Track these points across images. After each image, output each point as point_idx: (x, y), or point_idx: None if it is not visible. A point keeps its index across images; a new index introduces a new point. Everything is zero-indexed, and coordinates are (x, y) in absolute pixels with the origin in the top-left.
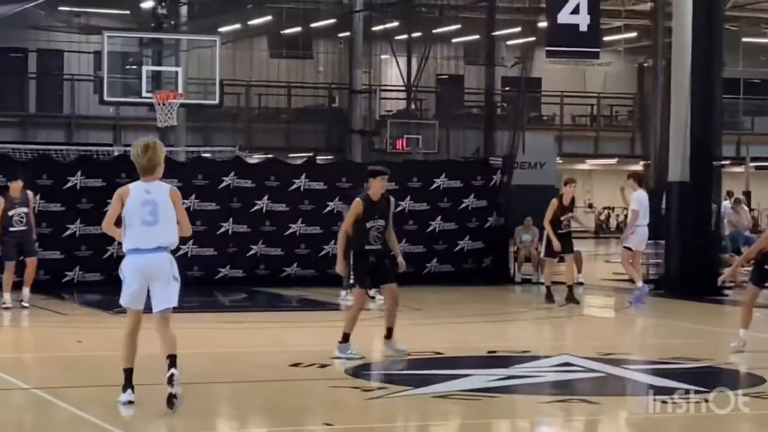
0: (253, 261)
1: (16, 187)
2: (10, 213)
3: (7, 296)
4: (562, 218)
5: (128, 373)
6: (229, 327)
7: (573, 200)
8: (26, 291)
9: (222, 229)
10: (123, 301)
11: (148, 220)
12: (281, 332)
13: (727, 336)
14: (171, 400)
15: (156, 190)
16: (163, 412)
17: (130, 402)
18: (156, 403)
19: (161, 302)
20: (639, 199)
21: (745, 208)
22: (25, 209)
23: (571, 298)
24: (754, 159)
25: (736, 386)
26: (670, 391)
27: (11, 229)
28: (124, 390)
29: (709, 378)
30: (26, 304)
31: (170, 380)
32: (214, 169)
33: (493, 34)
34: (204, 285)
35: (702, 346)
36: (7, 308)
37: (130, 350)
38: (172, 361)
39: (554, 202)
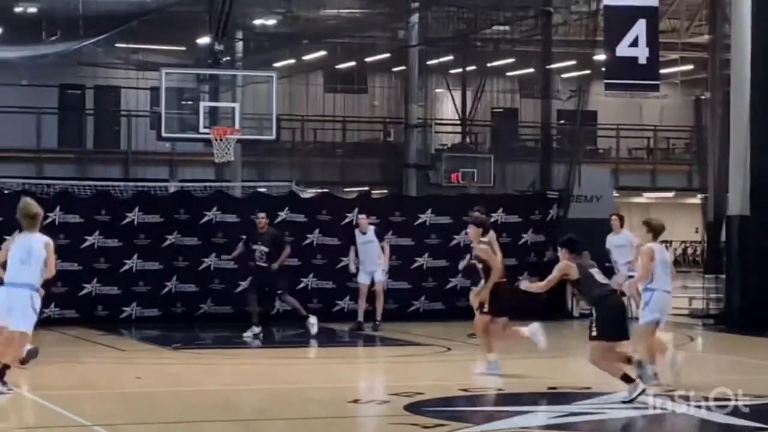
0: (304, 294)
1: None
2: None
3: None
4: None
5: None
6: (285, 363)
7: None
8: None
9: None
10: None
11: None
12: (337, 368)
13: None
14: None
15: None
16: None
17: None
18: None
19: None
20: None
21: None
22: None
23: None
24: None
25: None
26: (736, 429)
27: None
28: None
29: None
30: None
31: None
32: (269, 203)
33: (549, 67)
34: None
35: (766, 383)
36: None
37: None
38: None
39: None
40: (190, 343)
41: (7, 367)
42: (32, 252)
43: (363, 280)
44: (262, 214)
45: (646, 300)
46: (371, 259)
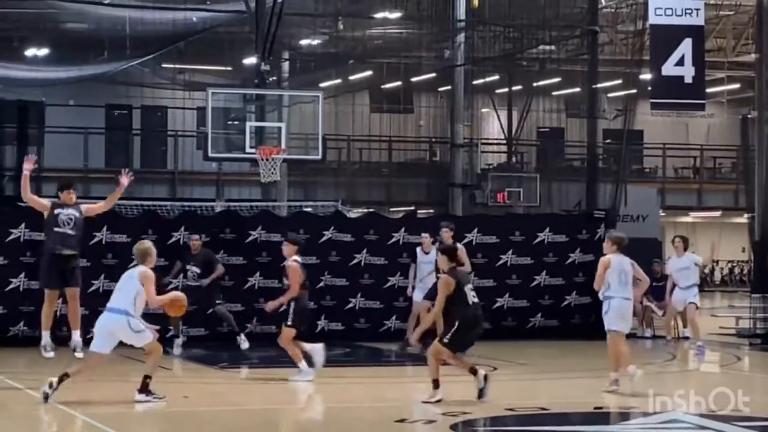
0: (352, 314)
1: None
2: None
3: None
4: None
5: None
6: (331, 382)
7: None
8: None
9: (320, 284)
10: None
11: None
12: (384, 387)
13: None
14: None
15: None
16: None
17: None
18: None
19: None
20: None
21: None
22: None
23: None
24: None
25: None
26: None
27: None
28: None
29: None
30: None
31: None
32: (315, 223)
33: (594, 86)
34: (304, 338)
35: None
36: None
37: None
38: None
39: None
40: (236, 362)
41: (148, 377)
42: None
43: (418, 298)
44: (196, 236)
45: (605, 309)
46: (430, 279)
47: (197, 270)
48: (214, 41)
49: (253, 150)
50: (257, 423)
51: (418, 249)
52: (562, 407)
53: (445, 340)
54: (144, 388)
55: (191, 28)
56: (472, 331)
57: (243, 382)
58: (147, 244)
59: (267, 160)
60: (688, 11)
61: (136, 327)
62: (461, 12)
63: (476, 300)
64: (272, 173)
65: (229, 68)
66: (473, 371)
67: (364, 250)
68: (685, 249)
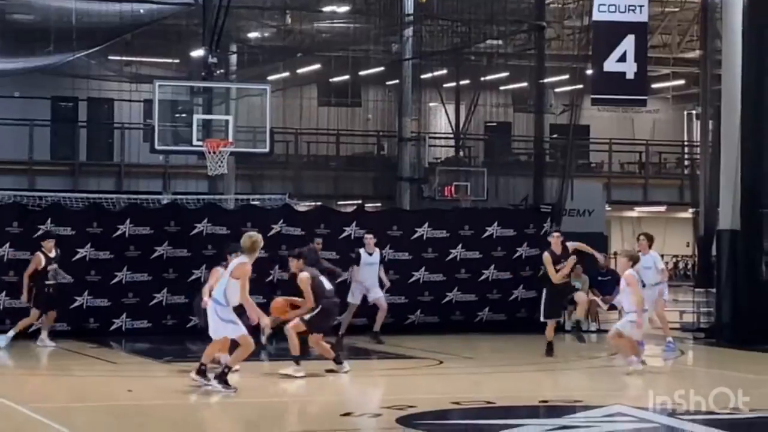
0: None
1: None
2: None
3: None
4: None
5: None
6: (276, 376)
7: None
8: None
9: (269, 277)
10: None
11: None
12: (329, 381)
13: None
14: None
15: None
16: None
17: None
18: None
19: None
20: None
21: None
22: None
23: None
24: None
25: None
26: None
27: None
28: None
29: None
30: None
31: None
32: (263, 216)
33: (541, 81)
34: (254, 334)
35: (757, 397)
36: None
37: None
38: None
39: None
40: (182, 356)
41: (228, 368)
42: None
43: (355, 300)
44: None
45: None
46: (372, 281)
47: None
48: (162, 33)
49: (200, 143)
50: (202, 416)
51: (362, 250)
52: (508, 401)
53: (306, 318)
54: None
55: (138, 20)
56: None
57: (188, 375)
58: (256, 236)
59: (214, 153)
60: (631, 8)
61: (221, 316)
62: (409, 6)
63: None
64: (219, 166)
65: (177, 61)
66: (337, 361)
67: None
68: (650, 247)
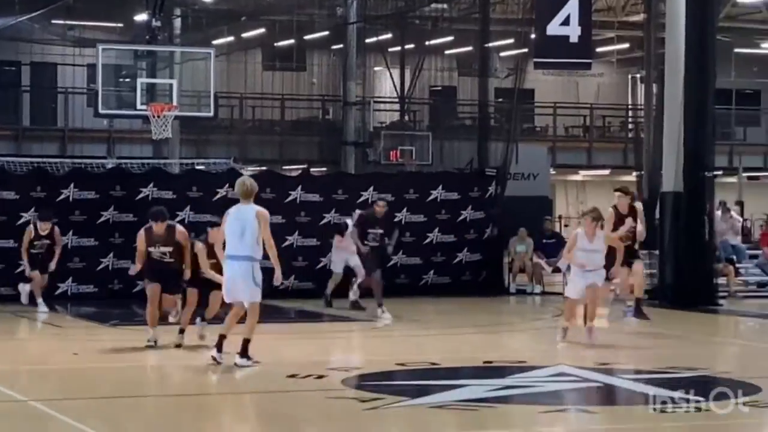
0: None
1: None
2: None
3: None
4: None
5: None
6: (231, 339)
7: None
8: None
9: None
10: None
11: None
12: (279, 344)
13: (722, 345)
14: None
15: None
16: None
17: None
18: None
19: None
20: None
21: (736, 216)
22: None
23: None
24: (746, 169)
25: (732, 395)
26: (665, 400)
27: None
28: None
29: (704, 387)
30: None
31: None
32: (209, 181)
33: (486, 45)
34: None
35: (697, 356)
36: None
37: None
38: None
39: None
40: (128, 319)
41: (248, 341)
42: (246, 224)
43: (338, 269)
44: None
45: None
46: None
47: None
48: None
49: (144, 107)
50: (149, 379)
51: (349, 220)
52: (452, 362)
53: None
54: (244, 352)
55: None
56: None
57: (134, 339)
58: (248, 179)
59: (158, 117)
60: None
61: (256, 277)
62: None
63: None
64: (164, 130)
65: (120, 25)
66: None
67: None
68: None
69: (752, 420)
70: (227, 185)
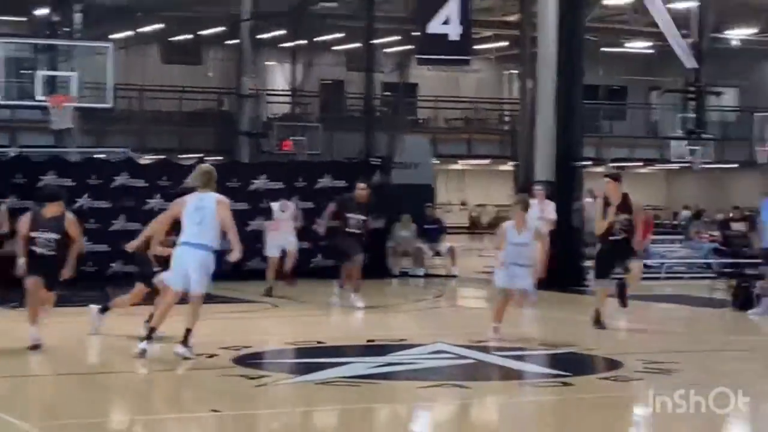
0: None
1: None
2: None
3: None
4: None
5: None
6: (114, 319)
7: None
8: None
9: (114, 227)
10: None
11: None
12: (167, 325)
13: (588, 324)
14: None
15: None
16: (54, 400)
17: None
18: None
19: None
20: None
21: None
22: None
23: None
24: (613, 160)
25: (596, 370)
26: (535, 376)
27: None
28: None
29: (571, 363)
30: None
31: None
32: (107, 169)
33: (373, 42)
34: (96, 280)
35: (565, 334)
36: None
37: None
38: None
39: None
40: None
41: (189, 331)
42: (206, 212)
43: (273, 253)
44: None
45: None
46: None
47: None
48: None
49: (44, 98)
50: (40, 359)
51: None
52: (338, 341)
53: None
54: (186, 341)
55: None
56: None
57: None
58: (207, 166)
59: (58, 108)
60: None
61: (209, 267)
62: None
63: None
64: (63, 121)
65: (22, 19)
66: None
67: (158, 196)
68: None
69: (613, 393)
70: (124, 173)
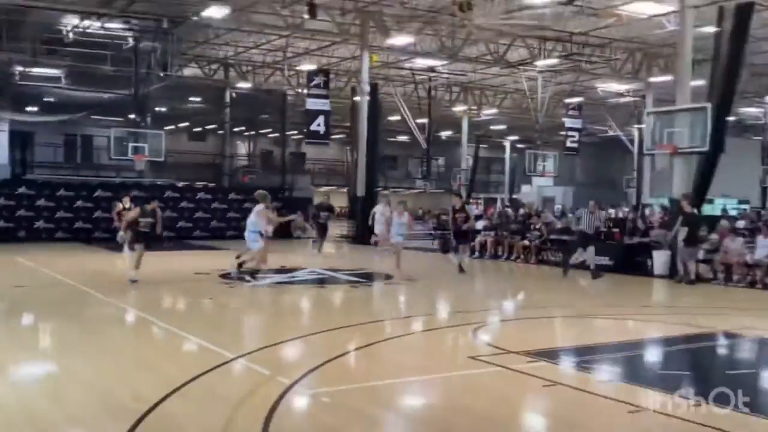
0: None
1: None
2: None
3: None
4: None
5: None
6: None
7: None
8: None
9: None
10: None
11: None
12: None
13: (381, 261)
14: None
15: None
16: None
17: None
18: None
19: None
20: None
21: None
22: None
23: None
24: (391, 188)
25: (378, 279)
26: (355, 283)
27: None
28: None
29: (371, 276)
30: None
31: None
32: (161, 189)
33: (285, 133)
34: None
35: (365, 263)
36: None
37: None
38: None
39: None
40: None
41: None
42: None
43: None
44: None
45: None
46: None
47: None
48: None
49: (132, 156)
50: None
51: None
52: (274, 266)
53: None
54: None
55: None
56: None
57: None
58: (263, 192)
59: (137, 160)
60: None
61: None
62: None
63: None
64: (139, 165)
65: (121, 118)
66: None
67: (184, 202)
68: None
69: (387, 288)
70: (169, 191)
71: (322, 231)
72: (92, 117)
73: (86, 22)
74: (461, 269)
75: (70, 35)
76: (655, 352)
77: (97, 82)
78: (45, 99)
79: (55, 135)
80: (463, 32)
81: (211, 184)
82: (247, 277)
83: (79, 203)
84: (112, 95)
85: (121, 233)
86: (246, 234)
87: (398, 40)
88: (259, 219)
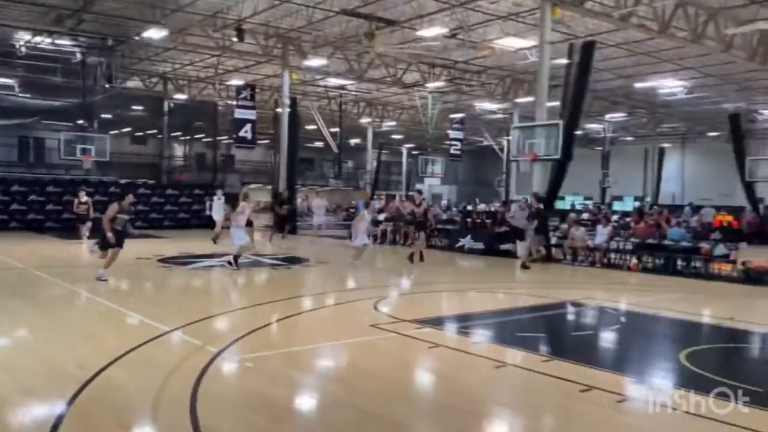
0: None
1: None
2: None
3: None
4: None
5: None
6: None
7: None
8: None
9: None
10: None
11: None
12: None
13: (309, 245)
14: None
15: None
16: None
17: None
18: None
19: None
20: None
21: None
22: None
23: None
24: (309, 185)
25: (299, 262)
26: (277, 266)
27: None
28: None
29: (292, 260)
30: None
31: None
32: (106, 185)
33: (217, 138)
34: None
35: (289, 249)
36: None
37: None
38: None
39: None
40: None
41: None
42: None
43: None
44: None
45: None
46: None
47: None
48: None
49: (81, 157)
50: None
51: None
52: (204, 251)
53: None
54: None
55: None
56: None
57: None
58: (245, 192)
59: (85, 160)
60: None
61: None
62: None
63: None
64: (87, 164)
65: (70, 123)
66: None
67: (129, 195)
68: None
69: (313, 271)
70: (113, 187)
71: (281, 222)
72: (44, 122)
73: (38, 38)
74: (412, 259)
75: (23, 49)
76: (517, 318)
77: (48, 90)
78: (0, 105)
79: (10, 137)
80: (368, 57)
81: (151, 181)
82: (231, 263)
83: (32, 197)
84: (62, 103)
85: (88, 242)
86: (231, 231)
87: (314, 61)
88: (239, 215)
